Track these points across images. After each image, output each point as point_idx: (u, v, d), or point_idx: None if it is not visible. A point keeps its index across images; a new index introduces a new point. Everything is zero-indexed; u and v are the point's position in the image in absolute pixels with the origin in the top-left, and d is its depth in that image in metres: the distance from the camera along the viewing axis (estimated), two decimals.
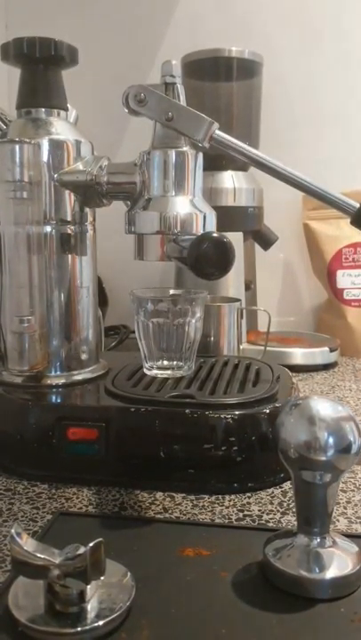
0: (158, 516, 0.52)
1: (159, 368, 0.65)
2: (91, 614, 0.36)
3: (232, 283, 0.99)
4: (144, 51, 1.20)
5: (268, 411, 0.58)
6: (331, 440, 0.39)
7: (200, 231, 0.59)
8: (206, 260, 0.51)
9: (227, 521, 0.51)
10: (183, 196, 0.60)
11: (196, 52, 1.01)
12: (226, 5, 1.18)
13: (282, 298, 1.25)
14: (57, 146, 0.63)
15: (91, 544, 0.35)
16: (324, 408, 0.40)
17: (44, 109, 0.65)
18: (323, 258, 1.13)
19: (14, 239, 0.60)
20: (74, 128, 0.66)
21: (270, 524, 0.50)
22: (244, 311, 0.97)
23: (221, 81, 1.03)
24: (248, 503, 0.54)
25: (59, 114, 0.66)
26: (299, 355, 0.98)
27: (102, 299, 1.18)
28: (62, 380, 0.65)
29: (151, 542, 0.46)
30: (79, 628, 0.35)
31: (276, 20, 1.16)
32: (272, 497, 0.55)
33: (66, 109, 0.67)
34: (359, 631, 0.37)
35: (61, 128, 0.64)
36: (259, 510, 0.53)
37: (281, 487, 0.57)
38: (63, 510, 0.52)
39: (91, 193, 0.64)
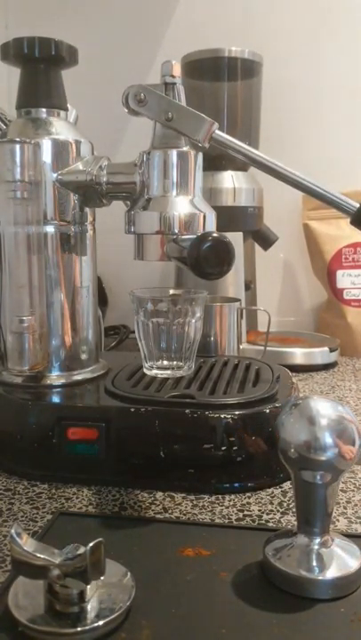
0: (158, 515, 0.52)
1: (159, 368, 0.65)
2: (91, 614, 0.36)
3: (232, 283, 0.99)
4: (144, 50, 1.20)
5: (267, 411, 0.58)
6: (331, 440, 0.39)
7: (200, 231, 0.59)
8: (206, 259, 0.51)
9: (227, 521, 0.51)
10: (183, 196, 0.60)
11: (196, 52, 1.01)
12: (226, 5, 1.18)
13: (282, 298, 1.25)
14: (57, 146, 0.63)
15: (91, 544, 0.35)
16: (323, 408, 0.40)
17: (44, 109, 0.65)
18: (323, 258, 1.13)
19: (14, 239, 0.60)
20: (74, 128, 0.66)
21: (270, 524, 0.50)
22: (244, 311, 0.97)
23: (221, 81, 1.03)
24: (248, 503, 0.54)
25: (59, 114, 0.66)
26: (299, 355, 0.98)
27: (102, 299, 1.18)
28: (62, 380, 0.65)
29: (151, 542, 0.46)
30: (79, 628, 0.35)
31: (279, 19, 1.16)
32: (272, 497, 0.55)
33: (66, 109, 0.67)
34: (359, 631, 0.37)
35: (61, 128, 0.64)
36: (259, 510, 0.53)
37: (281, 487, 0.57)
38: (63, 510, 0.52)
39: (90, 193, 0.64)
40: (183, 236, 0.58)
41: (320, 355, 0.99)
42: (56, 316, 0.65)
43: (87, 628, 0.35)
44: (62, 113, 0.66)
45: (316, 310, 1.23)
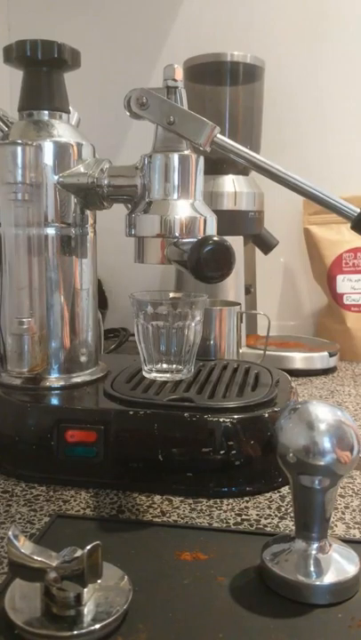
0: (156, 519, 0.52)
1: (158, 371, 0.65)
2: (87, 617, 0.36)
3: (232, 286, 0.99)
4: (146, 54, 1.20)
5: (266, 415, 0.58)
6: (329, 445, 0.39)
7: (200, 235, 0.59)
8: (207, 263, 0.51)
9: (225, 525, 0.51)
10: (184, 200, 0.60)
11: (199, 57, 1.01)
12: (229, 9, 1.18)
13: (282, 302, 1.25)
14: (58, 148, 0.63)
15: (88, 547, 0.35)
16: (322, 413, 0.40)
17: (45, 112, 0.65)
18: (323, 262, 1.13)
19: (15, 241, 0.60)
20: (75, 130, 0.66)
21: (268, 529, 0.50)
22: (244, 315, 0.97)
23: (223, 85, 1.03)
24: (246, 507, 0.54)
25: (61, 116, 0.66)
26: (298, 359, 0.98)
27: (102, 301, 1.19)
28: (61, 383, 0.65)
29: (148, 546, 0.46)
30: (76, 632, 0.35)
31: (281, 24, 1.17)
32: (270, 501, 0.55)
33: (68, 112, 0.67)
34: (357, 637, 0.36)
35: (63, 130, 0.64)
36: (257, 515, 0.53)
37: (279, 492, 0.57)
38: (61, 513, 0.52)
39: (92, 195, 0.64)
40: (184, 240, 0.58)
41: (320, 359, 0.99)
42: (56, 318, 0.65)
43: (84, 631, 0.35)
44: (64, 115, 0.66)
45: (316, 315, 1.23)
